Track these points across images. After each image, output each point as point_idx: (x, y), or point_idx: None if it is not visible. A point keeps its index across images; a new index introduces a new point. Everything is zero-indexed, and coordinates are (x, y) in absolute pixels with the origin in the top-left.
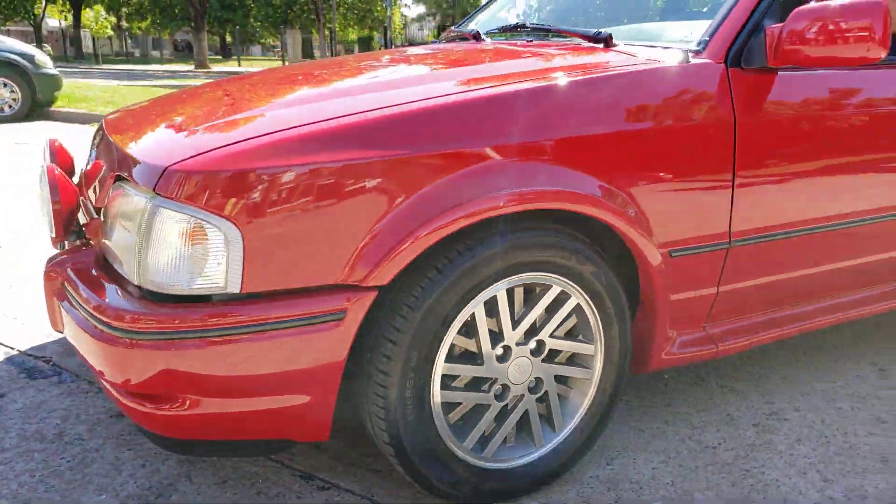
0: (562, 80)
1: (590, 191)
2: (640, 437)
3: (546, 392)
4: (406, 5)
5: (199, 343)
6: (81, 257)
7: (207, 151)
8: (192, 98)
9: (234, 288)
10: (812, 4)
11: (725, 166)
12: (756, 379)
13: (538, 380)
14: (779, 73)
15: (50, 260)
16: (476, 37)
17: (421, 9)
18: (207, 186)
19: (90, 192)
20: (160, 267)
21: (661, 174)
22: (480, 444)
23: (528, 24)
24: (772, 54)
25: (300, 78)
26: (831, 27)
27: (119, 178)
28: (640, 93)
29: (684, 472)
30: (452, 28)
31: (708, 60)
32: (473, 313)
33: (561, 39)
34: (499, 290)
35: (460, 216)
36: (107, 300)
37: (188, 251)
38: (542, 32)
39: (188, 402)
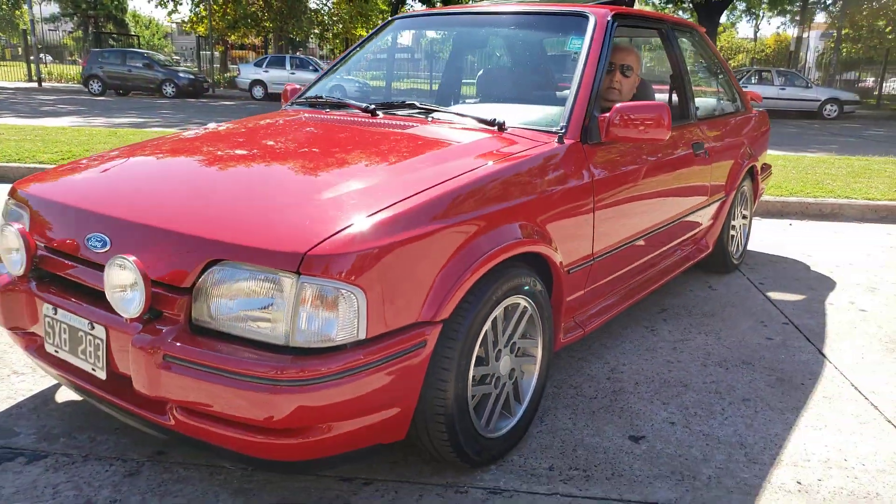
0: (509, 162)
1: (538, 236)
2: (552, 401)
3: (516, 377)
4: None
5: (340, 381)
6: (171, 331)
7: (329, 237)
8: (219, 168)
9: (362, 335)
10: (626, 103)
11: (589, 208)
12: (594, 352)
13: (512, 370)
14: (606, 145)
15: (139, 339)
16: (373, 113)
17: (54, 7)
18: (339, 265)
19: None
20: (310, 327)
21: (563, 219)
22: (486, 421)
23: (417, 103)
24: (604, 134)
25: (302, 152)
26: (636, 118)
27: (214, 262)
28: (549, 166)
29: (584, 417)
30: (311, 96)
31: (573, 140)
32: (486, 329)
33: (454, 118)
34: (498, 310)
35: (487, 261)
36: (255, 359)
37: (332, 313)
38: (430, 111)
39: (322, 429)
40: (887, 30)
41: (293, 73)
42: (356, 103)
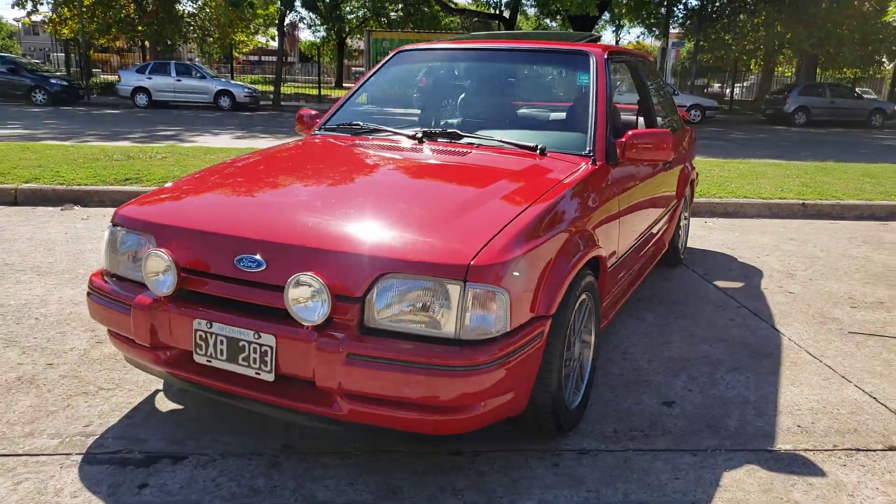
0: (571, 182)
1: (595, 241)
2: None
3: (581, 358)
4: None
5: (499, 366)
6: (349, 334)
7: (481, 251)
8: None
9: (508, 328)
10: (637, 130)
11: (615, 215)
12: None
13: (579, 353)
14: (621, 164)
15: (324, 342)
16: (420, 140)
17: None
18: (492, 272)
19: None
20: (473, 324)
21: (602, 225)
22: (567, 396)
23: (459, 132)
24: (620, 155)
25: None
26: (646, 143)
27: (382, 275)
28: (591, 183)
29: (621, 390)
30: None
31: (602, 162)
32: (572, 321)
33: (499, 145)
34: (576, 304)
35: (576, 264)
36: (432, 351)
37: (489, 311)
38: (474, 139)
39: (483, 405)
40: (733, 45)
41: (179, 80)
42: (403, 132)
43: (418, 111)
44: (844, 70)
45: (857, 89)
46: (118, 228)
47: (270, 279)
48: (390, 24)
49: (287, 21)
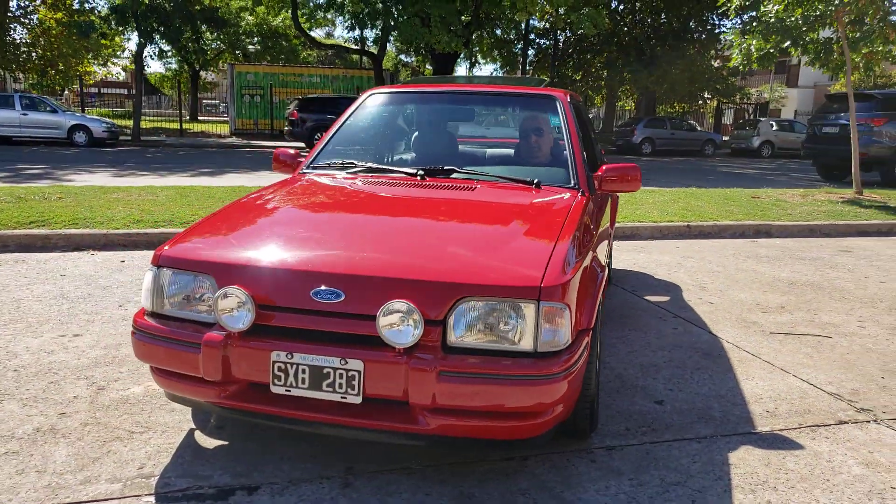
0: (578, 211)
1: (601, 259)
2: None
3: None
4: None
5: (567, 374)
6: (436, 353)
7: (545, 274)
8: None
9: (570, 341)
10: (611, 165)
11: (598, 240)
12: None
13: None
14: (597, 194)
15: (418, 363)
16: (423, 178)
17: None
18: (559, 291)
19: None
20: (546, 337)
21: (597, 245)
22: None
23: (457, 168)
24: (598, 186)
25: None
26: (619, 176)
27: (461, 299)
28: (586, 211)
29: (615, 394)
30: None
31: (586, 192)
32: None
33: (498, 181)
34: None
35: (601, 281)
36: (517, 364)
37: (560, 325)
38: (472, 174)
39: (552, 411)
40: (580, 81)
41: (25, 115)
42: (403, 169)
43: (403, 151)
44: (675, 105)
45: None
46: (164, 270)
47: (350, 309)
48: (247, 57)
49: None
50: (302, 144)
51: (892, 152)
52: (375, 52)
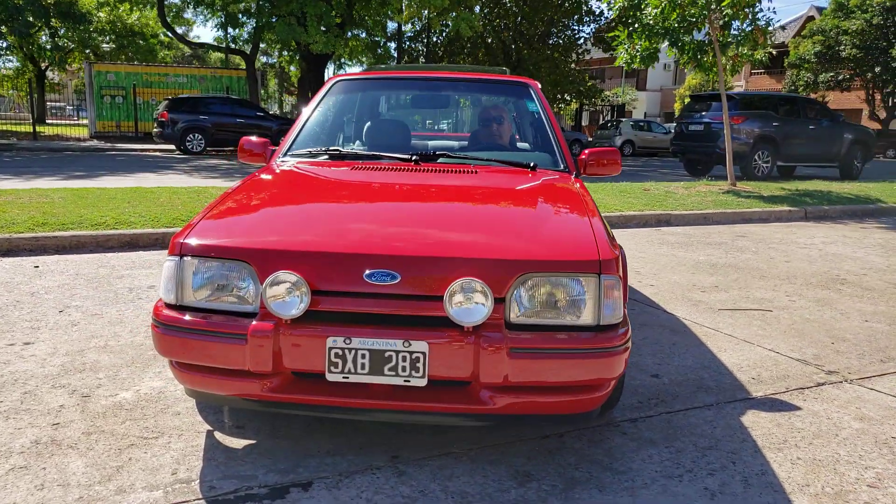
0: (587, 195)
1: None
2: None
3: None
4: None
5: (625, 347)
6: (503, 330)
7: (598, 247)
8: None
9: (624, 314)
10: (594, 149)
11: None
12: None
13: None
14: (583, 175)
15: (489, 340)
16: (416, 161)
17: None
18: (615, 265)
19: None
20: (610, 311)
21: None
22: None
23: (450, 153)
24: (583, 170)
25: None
26: (601, 159)
27: (522, 275)
28: (587, 191)
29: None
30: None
31: (574, 175)
32: None
33: (495, 164)
34: None
35: (625, 260)
36: (585, 336)
37: (616, 299)
38: (468, 159)
39: (610, 384)
40: None
41: None
42: (397, 155)
43: (380, 137)
44: None
45: None
46: (188, 259)
47: (409, 290)
48: (98, 56)
49: None
50: (172, 147)
51: (750, 148)
52: (248, 51)
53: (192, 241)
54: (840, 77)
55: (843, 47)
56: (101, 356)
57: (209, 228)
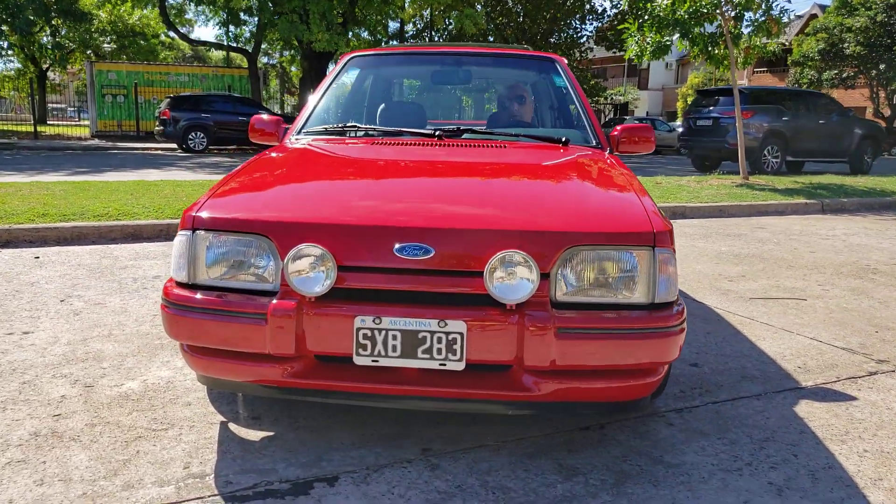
0: (626, 169)
1: None
2: None
3: None
4: None
5: (682, 327)
6: (549, 309)
7: (651, 220)
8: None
9: (677, 293)
10: (626, 125)
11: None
12: None
13: None
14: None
15: (534, 319)
16: (440, 136)
17: None
18: (668, 238)
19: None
20: (664, 288)
21: None
22: None
23: (481, 129)
24: (615, 147)
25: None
26: (634, 136)
27: (569, 248)
28: (626, 166)
29: None
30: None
31: (608, 151)
32: None
33: (525, 140)
34: None
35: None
36: (635, 316)
37: (671, 275)
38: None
39: (663, 368)
40: None
41: None
42: (419, 131)
43: (399, 115)
44: None
45: None
46: (202, 233)
47: (444, 265)
48: (100, 57)
49: None
50: (174, 145)
51: (759, 143)
52: (250, 49)
53: (206, 214)
54: (844, 75)
55: (847, 45)
56: (105, 345)
57: (224, 201)
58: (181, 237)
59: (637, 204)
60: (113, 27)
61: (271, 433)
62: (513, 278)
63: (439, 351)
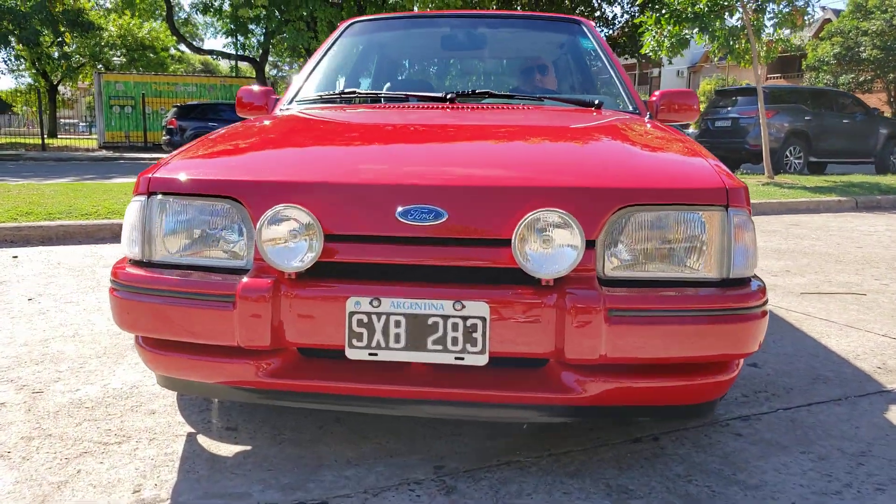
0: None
1: None
2: None
3: None
4: None
5: (762, 313)
6: (595, 286)
7: (720, 175)
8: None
9: (755, 267)
10: (667, 90)
11: None
12: None
13: None
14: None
15: (578, 299)
16: (452, 100)
17: None
18: (744, 196)
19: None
20: (742, 260)
21: None
22: None
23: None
24: (654, 112)
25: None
26: (675, 103)
27: (620, 209)
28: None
29: None
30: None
31: (647, 116)
32: None
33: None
34: None
35: None
36: (708, 294)
37: (749, 243)
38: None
39: (736, 365)
40: None
41: None
42: (428, 94)
43: (407, 82)
44: None
45: None
46: (159, 198)
47: (460, 232)
48: (110, 70)
49: None
50: None
51: (781, 143)
52: (258, 58)
53: (165, 175)
54: (861, 79)
55: (862, 48)
56: (67, 346)
57: (189, 162)
58: (135, 204)
59: (701, 159)
60: (123, 41)
61: (247, 447)
62: (549, 246)
63: (455, 341)
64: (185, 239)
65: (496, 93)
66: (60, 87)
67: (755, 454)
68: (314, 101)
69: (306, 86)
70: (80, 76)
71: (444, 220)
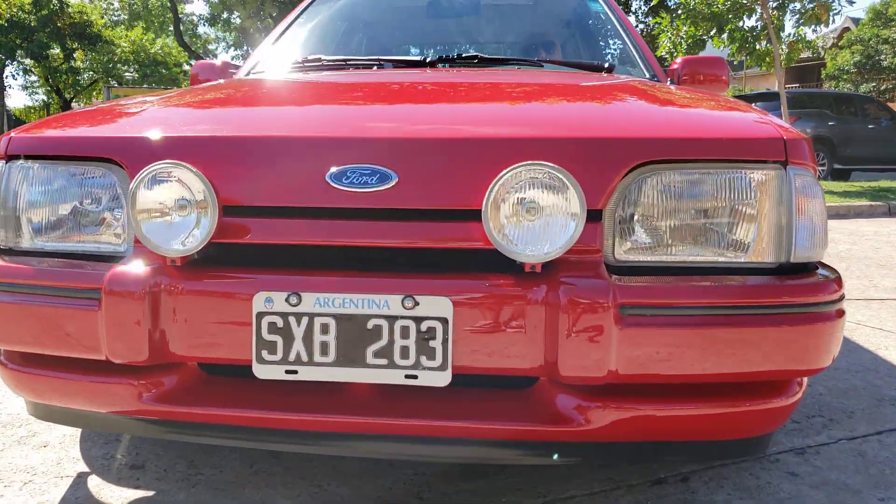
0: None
1: None
2: None
3: None
4: None
5: (838, 313)
6: (601, 274)
7: (775, 125)
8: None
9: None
10: (691, 56)
11: None
12: None
13: None
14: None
15: (576, 290)
16: (432, 64)
17: None
18: (806, 150)
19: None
20: (805, 239)
21: None
22: None
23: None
24: (676, 79)
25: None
26: (700, 72)
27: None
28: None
29: None
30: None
31: (668, 81)
32: None
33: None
34: None
35: None
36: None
37: (818, 215)
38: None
39: (804, 379)
40: None
41: None
42: (406, 58)
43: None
44: None
45: None
46: (20, 163)
47: (415, 202)
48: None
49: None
50: None
51: None
52: None
53: (29, 134)
54: (882, 87)
55: (883, 56)
56: None
57: (63, 121)
58: None
59: (747, 110)
60: (136, 57)
61: (149, 493)
62: (536, 215)
63: (405, 352)
64: (50, 215)
65: (487, 56)
66: (74, 104)
67: (818, 500)
68: (274, 70)
69: (267, 56)
70: (94, 92)
71: (391, 184)
